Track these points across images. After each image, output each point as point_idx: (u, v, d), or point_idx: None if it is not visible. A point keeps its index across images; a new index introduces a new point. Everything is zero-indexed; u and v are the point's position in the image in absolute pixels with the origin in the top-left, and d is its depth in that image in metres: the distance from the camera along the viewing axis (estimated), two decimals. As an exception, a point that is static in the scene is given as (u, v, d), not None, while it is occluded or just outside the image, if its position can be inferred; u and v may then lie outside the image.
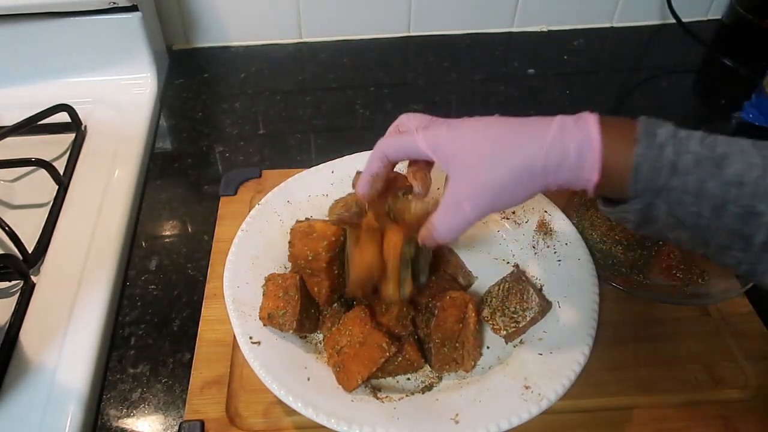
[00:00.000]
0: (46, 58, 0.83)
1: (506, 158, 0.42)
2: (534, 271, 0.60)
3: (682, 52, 1.00)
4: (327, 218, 0.55)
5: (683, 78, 0.96)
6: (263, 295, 0.55)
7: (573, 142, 0.41)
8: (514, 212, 0.65)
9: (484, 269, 0.62)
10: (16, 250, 0.62)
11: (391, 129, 0.51)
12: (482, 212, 0.44)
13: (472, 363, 0.54)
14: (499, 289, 0.57)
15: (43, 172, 0.70)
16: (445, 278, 0.59)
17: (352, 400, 0.49)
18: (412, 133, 0.47)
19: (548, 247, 0.61)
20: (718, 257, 0.41)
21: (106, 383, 0.57)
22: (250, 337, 0.52)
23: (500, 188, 0.43)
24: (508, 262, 0.63)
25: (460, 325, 0.54)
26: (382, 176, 0.50)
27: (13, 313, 0.58)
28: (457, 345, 0.54)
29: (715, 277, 0.61)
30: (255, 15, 0.95)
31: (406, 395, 0.51)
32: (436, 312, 0.54)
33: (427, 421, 0.48)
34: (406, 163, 0.53)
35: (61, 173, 0.72)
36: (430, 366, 0.55)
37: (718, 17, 1.04)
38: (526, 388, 0.50)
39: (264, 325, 0.53)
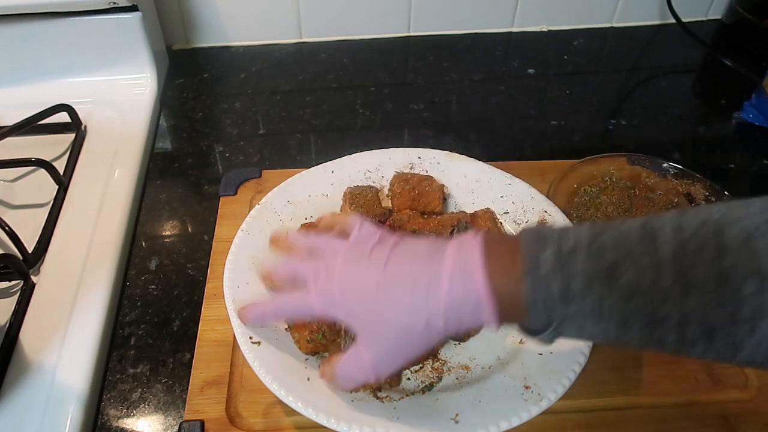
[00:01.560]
0: (46, 58, 0.83)
1: (404, 324, 0.42)
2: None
3: (682, 52, 1.00)
4: None
5: (683, 78, 0.96)
6: (290, 327, 0.55)
7: (467, 302, 0.40)
8: (510, 212, 0.66)
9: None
10: (16, 250, 0.62)
11: (285, 266, 0.50)
12: (381, 373, 0.45)
13: None
14: None
15: (43, 172, 0.70)
16: None
17: (352, 400, 0.49)
18: (307, 295, 0.46)
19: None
20: (673, 352, 0.39)
21: (106, 383, 0.57)
22: (250, 337, 0.52)
23: (400, 351, 0.44)
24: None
25: None
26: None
27: (13, 313, 0.58)
28: None
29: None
30: (255, 15, 0.95)
31: (406, 395, 0.51)
32: None
33: (427, 421, 0.48)
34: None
35: (61, 173, 0.72)
36: (460, 341, 0.56)
37: (718, 17, 1.04)
38: (526, 388, 0.50)
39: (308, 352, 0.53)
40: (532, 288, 0.38)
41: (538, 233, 0.40)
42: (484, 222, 0.63)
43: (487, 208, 0.65)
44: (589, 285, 0.37)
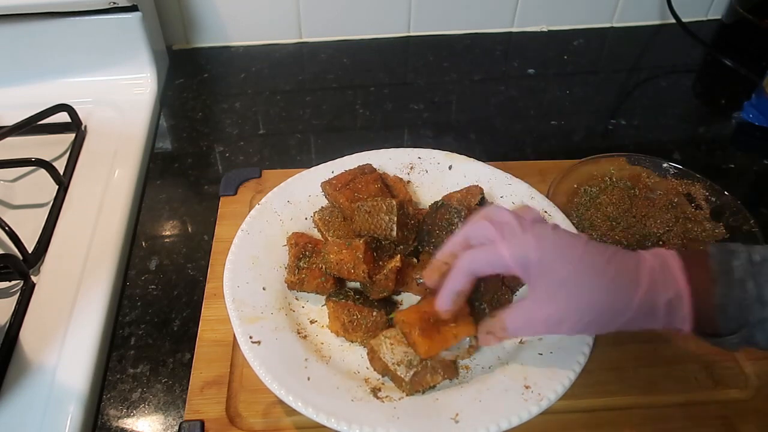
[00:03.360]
0: (46, 58, 0.83)
1: (594, 302, 0.43)
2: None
3: (682, 52, 1.00)
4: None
5: (683, 78, 0.96)
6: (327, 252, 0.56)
7: (663, 299, 0.41)
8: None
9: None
10: (16, 250, 0.62)
11: (458, 239, 0.49)
12: (553, 332, 0.45)
13: None
14: None
15: (43, 172, 0.70)
16: None
17: (352, 400, 0.49)
18: (496, 246, 0.45)
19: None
20: None
21: (106, 383, 0.57)
22: (250, 337, 0.52)
23: (579, 320, 0.44)
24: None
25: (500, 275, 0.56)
26: (466, 292, 0.49)
27: (13, 313, 0.58)
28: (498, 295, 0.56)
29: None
30: (255, 15, 0.95)
31: (407, 395, 0.51)
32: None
33: (427, 421, 0.48)
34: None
35: (61, 173, 0.72)
36: None
37: (718, 17, 1.04)
38: (526, 388, 0.50)
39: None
40: (725, 290, 0.40)
41: (725, 246, 0.42)
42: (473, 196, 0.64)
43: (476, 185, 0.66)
44: None
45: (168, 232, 0.70)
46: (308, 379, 0.51)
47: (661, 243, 0.64)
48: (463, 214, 0.57)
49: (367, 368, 0.53)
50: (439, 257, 0.50)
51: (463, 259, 0.47)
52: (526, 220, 0.46)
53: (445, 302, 0.49)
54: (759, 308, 0.39)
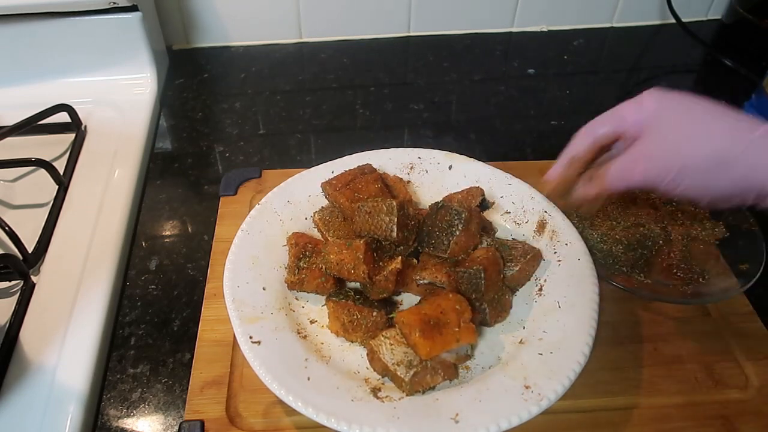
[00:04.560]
0: (46, 58, 0.83)
1: (701, 141, 0.44)
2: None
3: (682, 52, 1.00)
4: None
5: (683, 78, 0.96)
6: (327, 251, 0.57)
7: None
8: (510, 212, 0.66)
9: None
10: (16, 250, 0.62)
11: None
12: (649, 183, 0.46)
13: (510, 308, 0.58)
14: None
15: (43, 172, 0.70)
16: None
17: (352, 400, 0.49)
18: (616, 109, 0.49)
19: (548, 247, 0.61)
20: None
21: (106, 383, 0.57)
22: (250, 337, 0.52)
23: (681, 170, 0.44)
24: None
25: (502, 276, 0.57)
26: (582, 159, 0.50)
27: (13, 313, 0.58)
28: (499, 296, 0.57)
29: (715, 277, 0.61)
30: (255, 15, 0.95)
31: (407, 395, 0.51)
32: (483, 274, 0.55)
33: (427, 421, 0.48)
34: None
35: (61, 173, 0.72)
36: (486, 325, 0.57)
37: (718, 17, 1.04)
38: (526, 388, 0.50)
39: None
40: None
41: None
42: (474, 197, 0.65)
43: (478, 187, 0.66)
44: None
45: (168, 232, 0.70)
46: (308, 379, 0.51)
47: (660, 242, 0.64)
48: (463, 216, 0.57)
49: (367, 368, 0.53)
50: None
51: (588, 124, 0.50)
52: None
53: (559, 164, 0.50)
54: None
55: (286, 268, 0.60)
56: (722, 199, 0.44)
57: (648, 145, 0.46)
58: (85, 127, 0.80)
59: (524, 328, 0.56)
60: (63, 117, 0.78)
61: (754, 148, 0.41)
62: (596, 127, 0.49)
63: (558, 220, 0.63)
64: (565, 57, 0.98)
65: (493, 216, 0.66)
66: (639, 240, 0.64)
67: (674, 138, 0.45)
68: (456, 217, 0.58)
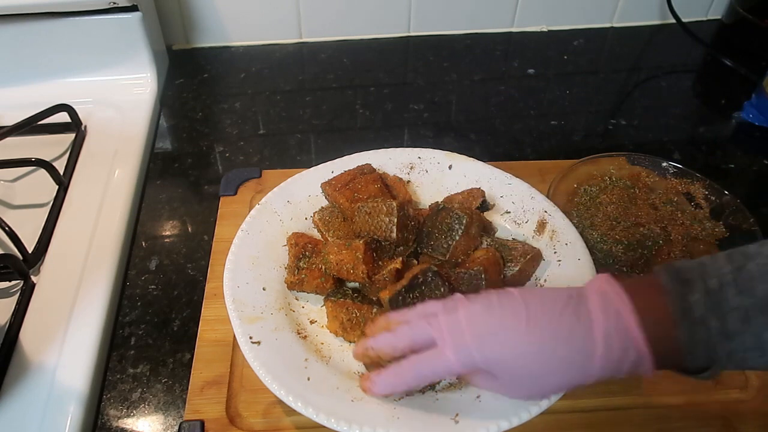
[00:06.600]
0: (46, 58, 0.83)
1: (552, 384, 0.44)
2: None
3: (682, 52, 1.00)
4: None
5: (683, 78, 0.96)
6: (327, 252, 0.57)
7: (626, 365, 0.40)
8: (510, 212, 0.66)
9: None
10: (16, 250, 0.62)
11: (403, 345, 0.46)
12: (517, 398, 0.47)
13: None
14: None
15: (43, 172, 0.70)
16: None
17: (352, 400, 0.49)
18: (443, 353, 0.43)
19: (548, 247, 0.61)
20: None
21: (106, 383, 0.57)
22: (250, 337, 0.52)
23: (541, 390, 0.45)
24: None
25: (502, 276, 0.57)
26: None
27: (13, 313, 0.58)
28: None
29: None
30: (255, 15, 0.95)
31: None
32: (483, 275, 0.55)
33: (427, 421, 0.48)
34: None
35: (61, 173, 0.72)
36: None
37: (718, 17, 1.04)
38: (526, 388, 0.50)
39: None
40: (689, 333, 0.38)
41: (678, 273, 0.40)
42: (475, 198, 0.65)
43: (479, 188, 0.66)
44: (746, 321, 0.37)
45: (168, 232, 0.70)
46: (308, 379, 0.51)
47: (660, 242, 0.64)
48: (464, 221, 0.57)
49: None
50: (365, 351, 0.47)
51: (410, 368, 0.45)
52: (456, 300, 0.45)
53: (380, 392, 0.47)
54: (723, 342, 0.37)
55: (286, 268, 0.60)
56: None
57: (505, 384, 0.45)
58: (85, 127, 0.80)
59: (524, 328, 0.56)
60: (63, 117, 0.78)
61: (601, 373, 0.41)
62: (424, 374, 0.45)
63: (558, 220, 0.63)
64: (565, 57, 0.98)
65: (493, 216, 0.65)
66: (639, 240, 0.64)
67: (520, 383, 0.44)
68: (456, 221, 0.58)
